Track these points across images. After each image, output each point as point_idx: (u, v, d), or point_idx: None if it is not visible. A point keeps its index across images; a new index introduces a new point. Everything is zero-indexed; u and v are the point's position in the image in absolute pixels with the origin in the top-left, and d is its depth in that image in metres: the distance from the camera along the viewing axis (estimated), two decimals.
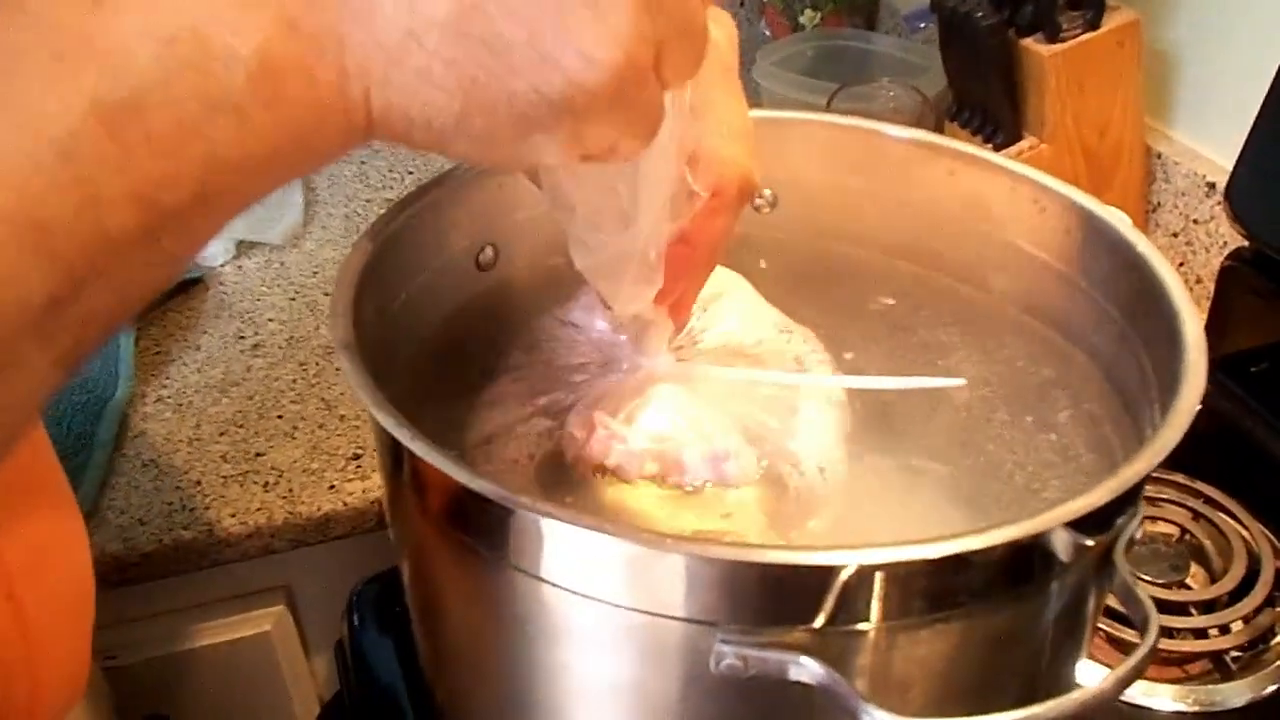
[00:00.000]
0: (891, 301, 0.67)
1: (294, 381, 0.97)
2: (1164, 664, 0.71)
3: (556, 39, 0.32)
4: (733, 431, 0.54)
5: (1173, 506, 0.80)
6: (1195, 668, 0.71)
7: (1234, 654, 0.71)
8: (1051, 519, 0.41)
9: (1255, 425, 0.87)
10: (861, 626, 0.42)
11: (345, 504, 0.85)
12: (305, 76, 0.32)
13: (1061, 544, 0.42)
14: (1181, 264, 1.05)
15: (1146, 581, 0.74)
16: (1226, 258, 0.91)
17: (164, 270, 0.33)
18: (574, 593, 0.43)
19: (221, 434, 0.91)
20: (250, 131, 0.31)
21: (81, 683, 0.60)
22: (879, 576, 0.41)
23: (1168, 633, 0.71)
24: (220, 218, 0.33)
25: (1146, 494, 0.79)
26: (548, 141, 0.35)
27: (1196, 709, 0.69)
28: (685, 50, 0.36)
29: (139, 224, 0.30)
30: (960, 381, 0.60)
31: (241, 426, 0.92)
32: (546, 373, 0.58)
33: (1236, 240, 0.91)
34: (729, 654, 0.41)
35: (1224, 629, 0.72)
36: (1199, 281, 1.02)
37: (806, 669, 0.40)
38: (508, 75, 0.33)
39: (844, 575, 0.40)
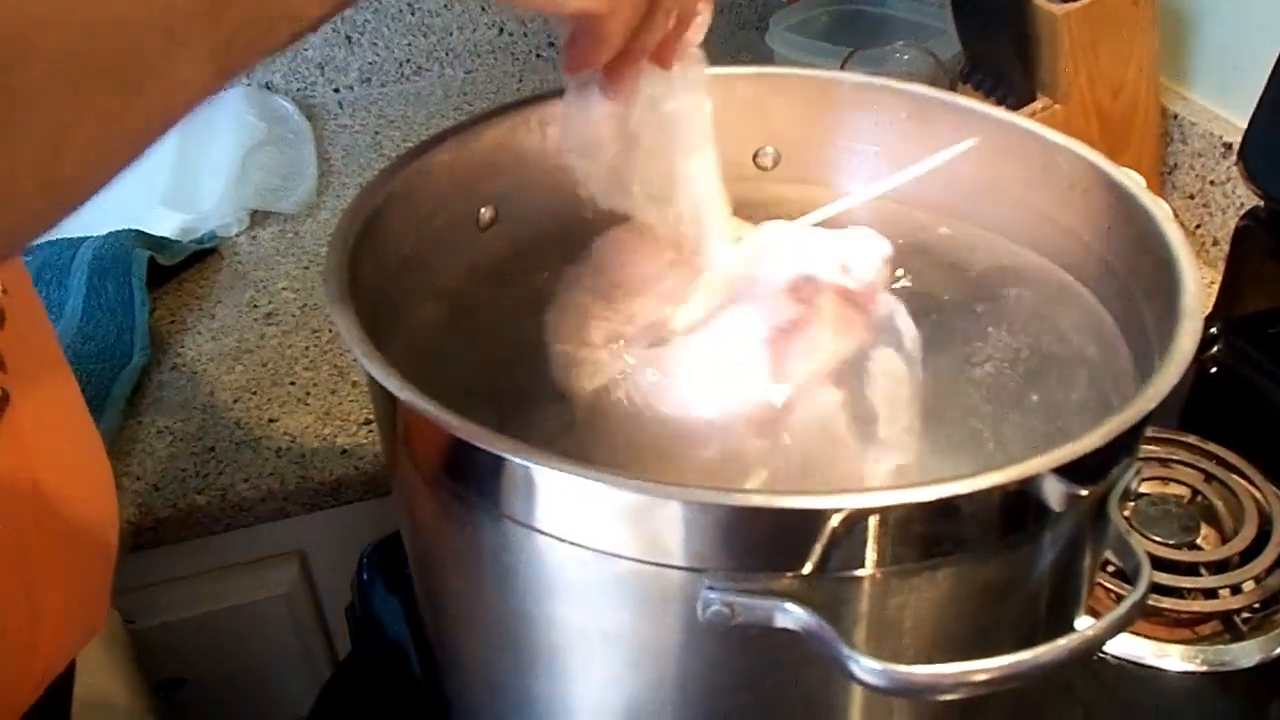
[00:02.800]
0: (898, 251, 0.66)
1: (307, 349, 0.97)
2: (1174, 625, 0.71)
3: None
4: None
5: (1185, 468, 0.79)
6: (1205, 628, 0.71)
7: (1244, 615, 0.70)
8: (1040, 464, 0.40)
9: (1270, 386, 0.86)
10: (852, 573, 0.42)
11: (357, 469, 0.86)
12: None
13: (1053, 491, 0.42)
14: (1198, 226, 1.03)
15: (1157, 542, 0.74)
16: (1241, 218, 0.90)
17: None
18: (565, 541, 0.43)
19: (235, 401, 0.92)
20: None
21: (101, 612, 0.61)
22: (869, 522, 0.40)
23: (1178, 593, 0.71)
24: None
25: (1159, 455, 0.79)
26: None
27: (1206, 669, 0.69)
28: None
29: None
30: (971, 142, 0.62)
31: (255, 393, 0.93)
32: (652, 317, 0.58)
33: (1255, 202, 0.90)
34: (715, 600, 0.41)
35: (1235, 589, 0.71)
36: (1215, 243, 1.01)
37: (792, 615, 0.40)
38: None
39: (834, 520, 0.40)
